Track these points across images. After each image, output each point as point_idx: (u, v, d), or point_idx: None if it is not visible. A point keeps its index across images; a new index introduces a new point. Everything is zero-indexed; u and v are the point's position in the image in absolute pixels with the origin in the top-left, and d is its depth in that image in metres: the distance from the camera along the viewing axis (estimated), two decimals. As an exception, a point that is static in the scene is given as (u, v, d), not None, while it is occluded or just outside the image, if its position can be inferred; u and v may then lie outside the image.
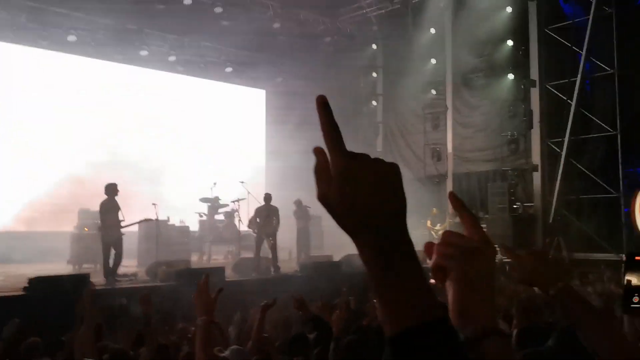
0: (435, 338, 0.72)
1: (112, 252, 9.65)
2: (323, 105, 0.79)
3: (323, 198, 0.78)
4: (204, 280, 2.49)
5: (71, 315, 4.89)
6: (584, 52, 14.22)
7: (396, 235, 0.77)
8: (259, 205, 12.18)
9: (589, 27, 14.17)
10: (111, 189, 9.84)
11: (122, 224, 9.88)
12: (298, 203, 13.46)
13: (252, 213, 12.38)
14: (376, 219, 0.76)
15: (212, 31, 15.92)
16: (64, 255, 12.14)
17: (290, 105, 17.74)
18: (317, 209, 14.83)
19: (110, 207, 9.71)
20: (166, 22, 15.27)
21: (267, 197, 12.20)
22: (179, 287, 8.16)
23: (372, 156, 0.79)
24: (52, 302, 7.30)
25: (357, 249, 0.77)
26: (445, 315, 0.74)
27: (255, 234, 11.99)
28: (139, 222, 10.50)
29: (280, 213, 12.29)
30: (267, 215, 11.87)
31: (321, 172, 0.78)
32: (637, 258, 1.98)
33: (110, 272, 9.48)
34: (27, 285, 7.84)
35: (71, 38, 14.73)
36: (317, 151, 0.79)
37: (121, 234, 9.83)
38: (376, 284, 0.75)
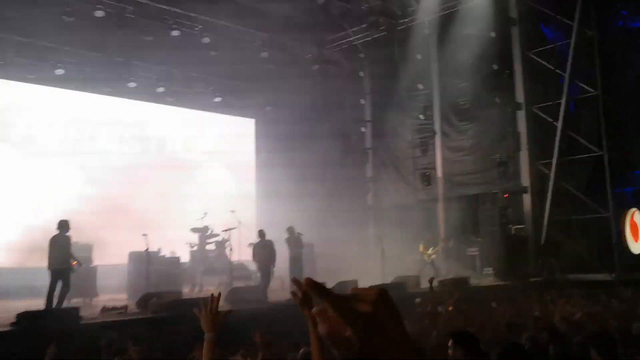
0: None
1: (60, 284, 9.85)
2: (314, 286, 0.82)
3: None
4: (217, 300, 2.63)
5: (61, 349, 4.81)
6: (567, 75, 14.44)
7: None
8: (250, 234, 12.16)
9: (571, 50, 14.42)
10: (62, 225, 10.20)
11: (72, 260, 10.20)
12: (291, 230, 13.38)
13: (243, 242, 12.35)
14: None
15: (200, 61, 16.01)
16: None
17: (280, 133, 17.82)
18: (310, 237, 14.84)
19: (60, 242, 10.03)
20: (154, 53, 15.34)
21: (261, 233, 12.28)
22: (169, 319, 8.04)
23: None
24: (40, 337, 7.16)
25: None
26: None
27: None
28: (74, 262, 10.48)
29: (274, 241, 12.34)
30: (263, 251, 11.93)
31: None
32: None
33: (58, 303, 9.68)
34: (14, 320, 7.69)
35: (59, 72, 14.75)
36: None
37: (69, 268, 10.05)
38: None
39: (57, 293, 9.81)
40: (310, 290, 0.80)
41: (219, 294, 2.74)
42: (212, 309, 2.61)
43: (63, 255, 10.04)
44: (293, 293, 2.55)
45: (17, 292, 12.06)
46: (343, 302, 0.80)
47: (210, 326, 2.60)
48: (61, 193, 14.31)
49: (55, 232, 10.16)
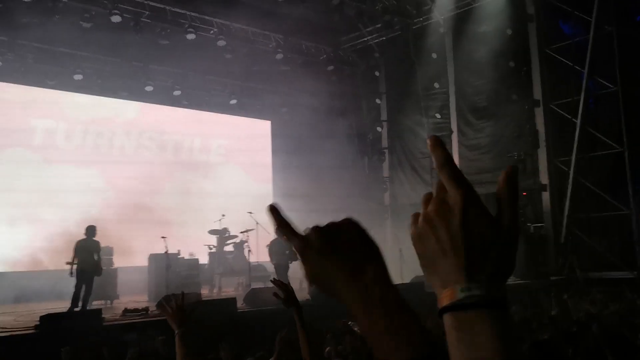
0: None
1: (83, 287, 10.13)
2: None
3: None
4: (181, 300, 2.73)
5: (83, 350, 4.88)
6: (586, 71, 14.28)
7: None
8: (268, 235, 12.19)
9: (589, 46, 14.26)
10: (90, 230, 10.56)
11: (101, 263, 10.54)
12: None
13: (261, 243, 12.38)
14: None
15: (215, 64, 16.12)
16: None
17: (296, 134, 17.86)
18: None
19: (88, 246, 10.37)
20: (170, 57, 15.48)
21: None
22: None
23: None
24: (63, 339, 7.27)
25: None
26: (430, 353, 0.73)
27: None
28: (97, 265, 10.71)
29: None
30: (280, 247, 11.95)
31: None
32: None
33: (82, 305, 9.96)
34: (38, 323, 7.82)
35: (77, 77, 14.94)
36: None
37: (94, 271, 10.30)
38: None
39: (82, 295, 10.00)
40: (269, 215, 0.83)
41: (182, 292, 2.84)
42: (178, 306, 2.67)
43: (90, 259, 10.29)
44: (275, 294, 2.82)
45: (39, 295, 12.26)
46: (291, 229, 0.83)
47: (178, 323, 2.67)
48: (81, 196, 14.48)
49: (82, 236, 10.43)
